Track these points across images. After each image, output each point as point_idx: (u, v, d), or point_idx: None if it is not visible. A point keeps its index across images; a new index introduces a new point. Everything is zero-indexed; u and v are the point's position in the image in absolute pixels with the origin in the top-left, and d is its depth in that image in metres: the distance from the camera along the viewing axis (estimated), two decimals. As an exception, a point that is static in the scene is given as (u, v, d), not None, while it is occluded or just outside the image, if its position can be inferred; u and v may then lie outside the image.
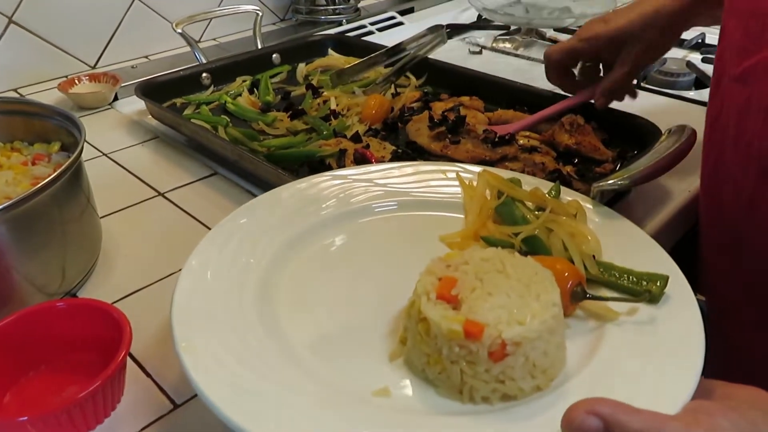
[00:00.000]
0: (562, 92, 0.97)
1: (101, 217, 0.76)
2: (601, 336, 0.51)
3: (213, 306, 0.54)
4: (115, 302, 0.66)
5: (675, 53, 1.33)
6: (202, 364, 0.48)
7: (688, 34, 1.39)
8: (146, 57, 1.34)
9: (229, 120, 0.98)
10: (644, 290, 0.53)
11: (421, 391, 0.49)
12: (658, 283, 0.53)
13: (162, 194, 0.85)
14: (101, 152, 0.96)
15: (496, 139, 0.87)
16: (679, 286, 0.54)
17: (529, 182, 0.71)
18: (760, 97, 0.61)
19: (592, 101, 0.91)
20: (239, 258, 0.60)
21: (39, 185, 0.58)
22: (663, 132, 0.79)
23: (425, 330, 0.48)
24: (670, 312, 0.52)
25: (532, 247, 0.60)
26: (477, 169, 0.73)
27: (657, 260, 0.57)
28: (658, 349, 0.49)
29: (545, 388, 0.47)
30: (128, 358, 0.58)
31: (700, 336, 0.49)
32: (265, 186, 0.78)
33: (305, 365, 0.50)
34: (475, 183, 0.71)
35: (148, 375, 0.58)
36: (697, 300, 0.53)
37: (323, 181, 0.73)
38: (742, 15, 0.63)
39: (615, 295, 0.54)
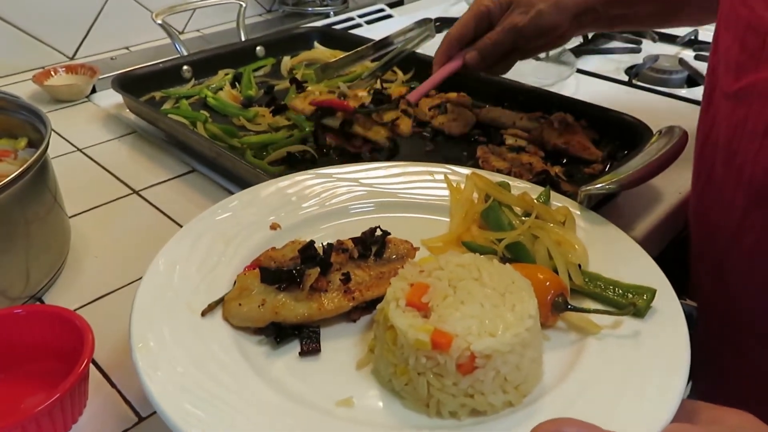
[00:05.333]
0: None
1: (71, 217, 0.73)
2: (581, 350, 0.49)
3: (176, 308, 0.52)
4: (83, 306, 0.63)
5: (667, 50, 1.31)
6: (157, 369, 0.45)
7: (680, 31, 1.37)
8: (127, 48, 1.31)
9: (208, 115, 0.95)
10: (629, 303, 0.50)
11: (387, 403, 0.46)
12: (645, 297, 0.51)
13: (137, 192, 0.82)
14: (75, 147, 0.93)
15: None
16: (666, 299, 0.51)
17: (519, 186, 0.69)
18: (757, 119, 0.58)
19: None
20: (209, 258, 0.58)
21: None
22: (654, 132, 0.77)
23: (392, 339, 0.46)
24: (655, 327, 0.49)
25: (515, 254, 0.57)
26: (466, 171, 0.71)
27: (645, 270, 0.55)
28: (640, 368, 0.46)
29: (517, 404, 0.45)
30: (93, 368, 0.56)
31: (685, 354, 0.46)
32: (245, 184, 0.75)
33: (267, 372, 0.48)
34: (463, 186, 0.69)
35: (113, 385, 0.55)
36: (688, 305, 0.51)
37: (305, 179, 0.70)
38: (738, 29, 0.60)
39: (599, 307, 0.52)
